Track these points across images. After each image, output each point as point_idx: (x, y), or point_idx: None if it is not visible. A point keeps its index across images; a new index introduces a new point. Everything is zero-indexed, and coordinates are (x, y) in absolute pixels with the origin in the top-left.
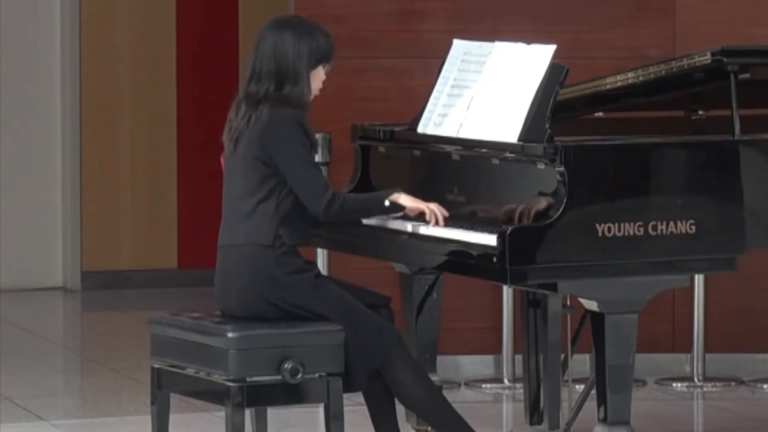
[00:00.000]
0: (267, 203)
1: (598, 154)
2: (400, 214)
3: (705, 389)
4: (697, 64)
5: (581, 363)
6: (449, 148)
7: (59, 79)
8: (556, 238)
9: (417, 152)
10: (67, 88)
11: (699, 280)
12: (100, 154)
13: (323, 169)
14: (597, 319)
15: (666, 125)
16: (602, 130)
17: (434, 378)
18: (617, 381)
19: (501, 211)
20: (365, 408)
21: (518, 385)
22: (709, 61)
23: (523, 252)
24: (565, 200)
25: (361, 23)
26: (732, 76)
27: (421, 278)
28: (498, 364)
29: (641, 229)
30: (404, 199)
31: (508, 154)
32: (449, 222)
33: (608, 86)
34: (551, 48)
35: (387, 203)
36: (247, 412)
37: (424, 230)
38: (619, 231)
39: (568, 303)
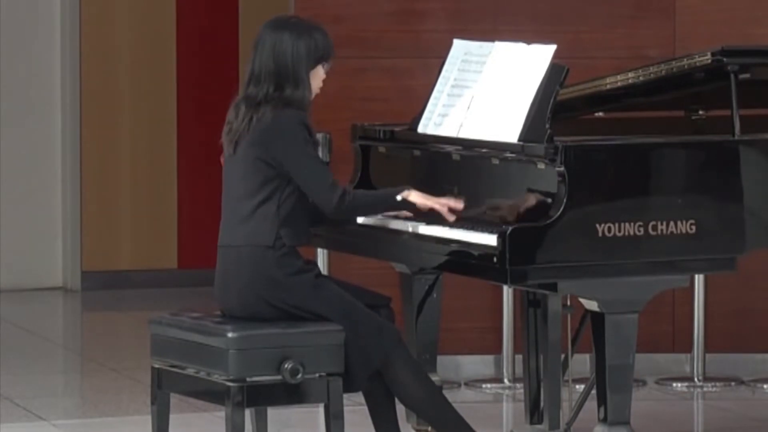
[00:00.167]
0: (268, 205)
1: (598, 154)
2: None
3: (705, 389)
4: (697, 64)
5: (581, 363)
6: (449, 148)
7: (59, 79)
8: (556, 238)
9: (417, 152)
10: (67, 88)
11: (699, 280)
12: (100, 154)
13: None
14: (597, 319)
15: (666, 125)
16: (602, 130)
17: (434, 378)
18: (617, 381)
19: (495, 211)
20: (365, 408)
21: (518, 385)
22: (709, 61)
23: (523, 252)
24: (565, 200)
25: (361, 23)
26: (732, 76)
27: (421, 278)
28: (498, 364)
29: (641, 229)
30: (415, 196)
31: (508, 154)
32: (449, 222)
33: (608, 86)
34: (551, 48)
35: (399, 198)
36: (247, 412)
37: (424, 230)
38: (619, 231)
39: (568, 303)
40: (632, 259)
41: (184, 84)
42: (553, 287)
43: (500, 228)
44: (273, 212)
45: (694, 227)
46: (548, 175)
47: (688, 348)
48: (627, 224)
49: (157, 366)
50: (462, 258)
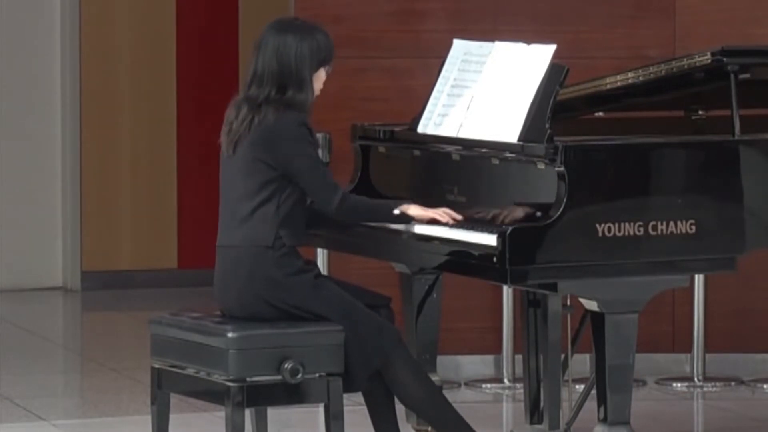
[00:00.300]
0: (268, 205)
1: (598, 154)
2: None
3: (705, 389)
4: (697, 64)
5: (581, 363)
6: (449, 148)
7: (59, 79)
8: (556, 238)
9: (417, 152)
10: (67, 88)
11: (699, 280)
12: (100, 154)
13: None
14: (597, 319)
15: (666, 125)
16: (602, 130)
17: (434, 378)
18: (617, 381)
19: (495, 211)
20: (365, 408)
21: (518, 385)
22: (709, 61)
23: (523, 252)
24: (565, 200)
25: (361, 23)
26: (732, 76)
27: (421, 278)
28: (498, 364)
29: (641, 229)
30: (413, 210)
31: (508, 154)
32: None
33: (608, 86)
34: (551, 48)
35: (397, 212)
36: (247, 412)
37: (423, 230)
38: (619, 231)
39: (568, 303)
40: (632, 259)
41: (184, 84)
42: (553, 287)
43: (500, 228)
44: (272, 213)
45: (694, 227)
46: (548, 175)
47: (688, 348)
48: (627, 224)
49: (157, 366)
50: (462, 258)
